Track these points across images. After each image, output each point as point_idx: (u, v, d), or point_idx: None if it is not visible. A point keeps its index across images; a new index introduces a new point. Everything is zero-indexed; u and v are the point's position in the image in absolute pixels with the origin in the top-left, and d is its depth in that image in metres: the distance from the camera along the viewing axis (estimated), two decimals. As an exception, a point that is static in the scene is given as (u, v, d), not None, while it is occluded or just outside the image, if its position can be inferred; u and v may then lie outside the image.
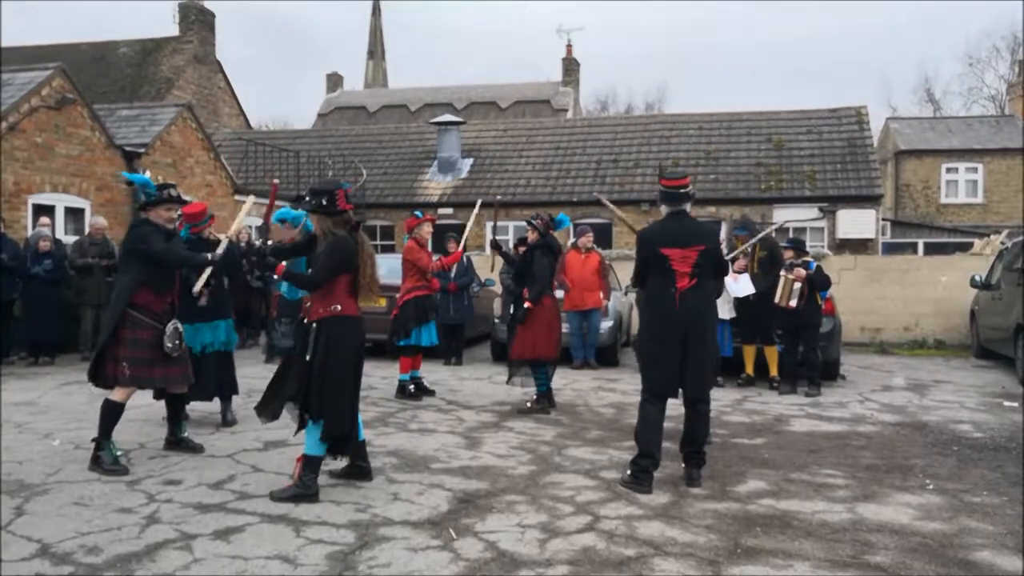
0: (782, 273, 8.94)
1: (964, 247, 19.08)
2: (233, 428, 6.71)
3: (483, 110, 31.54)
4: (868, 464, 5.87)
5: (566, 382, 9.46)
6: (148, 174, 6.00)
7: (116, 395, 5.32)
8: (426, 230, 8.71)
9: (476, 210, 9.02)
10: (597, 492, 5.03)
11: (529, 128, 23.43)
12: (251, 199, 6.38)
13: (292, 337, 7.57)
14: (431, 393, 8.58)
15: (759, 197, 18.79)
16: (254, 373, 9.32)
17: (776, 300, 8.85)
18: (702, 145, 20.62)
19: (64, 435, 6.33)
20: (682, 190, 5.29)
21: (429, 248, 8.95)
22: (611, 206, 9.68)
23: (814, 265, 9.20)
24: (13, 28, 57.71)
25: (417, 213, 9.06)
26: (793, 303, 8.78)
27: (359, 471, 5.14)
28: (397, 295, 8.56)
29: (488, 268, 11.32)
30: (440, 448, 6.16)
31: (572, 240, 11.95)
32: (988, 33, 75.19)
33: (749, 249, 9.23)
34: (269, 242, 5.35)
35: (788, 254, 9.14)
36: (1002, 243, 14.67)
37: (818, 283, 8.96)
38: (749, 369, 9.47)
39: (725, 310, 8.83)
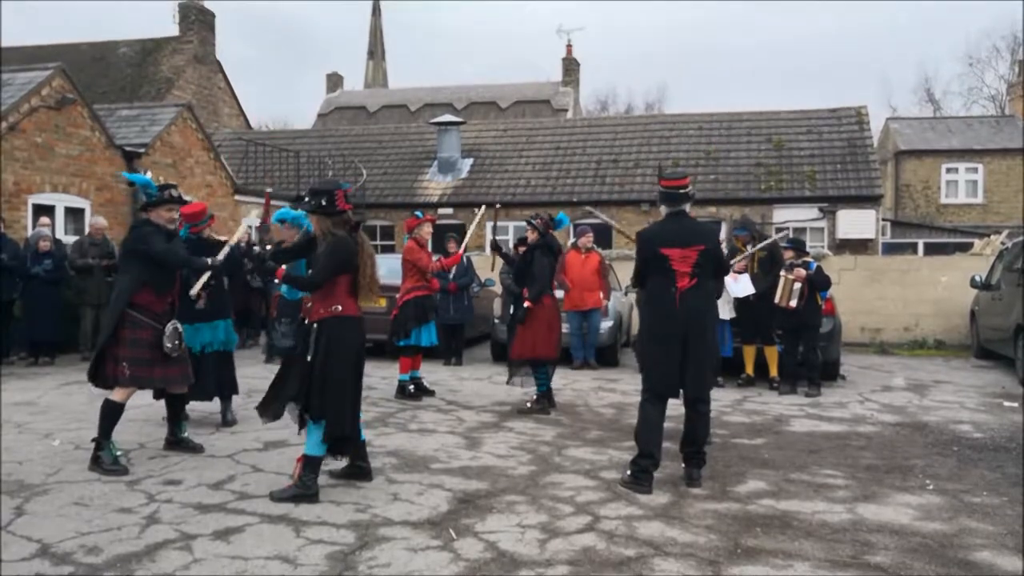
0: (782, 273, 8.94)
1: (964, 247, 19.08)
2: (233, 428, 6.72)
3: (483, 110, 31.55)
4: (868, 464, 5.87)
5: (566, 382, 9.46)
6: (149, 175, 6.00)
7: (116, 395, 5.32)
8: (426, 230, 8.71)
9: (478, 217, 9.01)
10: (597, 492, 5.03)
11: (529, 128, 23.44)
12: (252, 215, 6.34)
13: (292, 337, 7.61)
14: (431, 393, 8.58)
15: (759, 197, 18.79)
16: (254, 373, 9.33)
17: (776, 300, 8.85)
18: (702, 145, 20.62)
19: (64, 435, 6.33)
20: (681, 190, 5.29)
21: (429, 248, 8.95)
22: (603, 216, 9.72)
23: (814, 265, 9.20)
24: (13, 28, 57.78)
25: (417, 213, 9.07)
26: (793, 303, 8.78)
27: (359, 471, 5.14)
28: (397, 295, 8.56)
29: (488, 268, 11.33)
30: (440, 448, 6.16)
31: (572, 240, 11.96)
32: (988, 33, 75.28)
33: (755, 251, 9.19)
34: (268, 247, 5.35)
35: (788, 254, 9.15)
36: (1002, 243, 14.67)
37: (818, 283, 8.96)
38: (749, 369, 9.47)
39: (725, 310, 8.84)
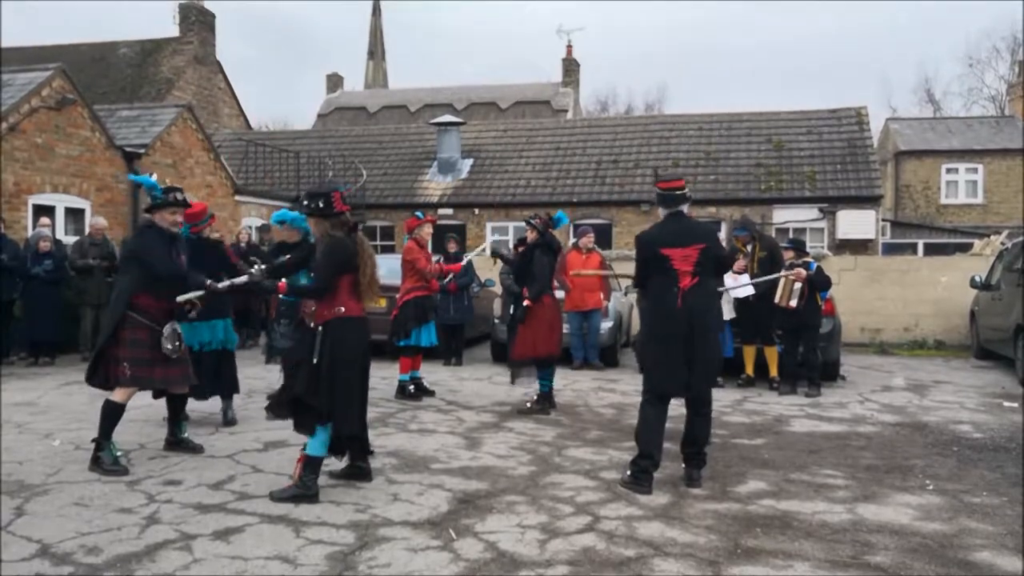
0: (782, 273, 8.93)
1: (964, 248, 19.08)
2: (233, 428, 6.72)
3: (483, 111, 31.55)
4: (868, 464, 5.87)
5: (566, 382, 9.46)
6: (155, 177, 6.01)
7: (117, 395, 5.33)
8: (426, 231, 8.72)
9: (478, 251, 9.12)
10: (597, 493, 5.04)
11: (529, 129, 23.45)
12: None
13: (291, 338, 7.61)
14: (431, 394, 8.58)
15: (759, 198, 18.80)
16: (254, 373, 9.33)
17: (776, 300, 8.85)
18: (702, 146, 20.63)
19: (64, 435, 6.33)
20: (678, 192, 5.30)
21: (429, 249, 8.95)
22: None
23: (814, 266, 9.19)
24: (13, 28, 57.76)
25: (418, 214, 9.06)
26: (793, 303, 8.78)
27: (359, 472, 5.15)
28: (397, 296, 8.56)
29: (488, 269, 11.32)
30: (440, 448, 6.17)
31: (573, 240, 11.95)
32: (988, 33, 75.31)
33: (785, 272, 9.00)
34: (263, 266, 5.34)
35: (788, 254, 9.15)
36: (1002, 244, 14.67)
37: (818, 284, 8.96)
38: (749, 370, 9.47)
39: (725, 310, 8.83)
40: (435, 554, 3.96)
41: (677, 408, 5.40)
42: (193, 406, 6.50)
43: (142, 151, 14.69)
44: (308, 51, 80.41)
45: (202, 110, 23.40)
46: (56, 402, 7.85)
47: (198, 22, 26.04)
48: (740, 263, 9.17)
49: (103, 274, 10.82)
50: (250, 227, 16.13)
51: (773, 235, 15.99)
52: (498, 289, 11.69)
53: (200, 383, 6.18)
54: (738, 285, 9.02)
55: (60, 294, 10.74)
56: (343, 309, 4.78)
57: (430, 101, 32.38)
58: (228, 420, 6.86)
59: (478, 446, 6.29)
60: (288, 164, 20.62)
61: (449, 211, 20.22)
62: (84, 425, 6.42)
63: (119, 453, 5.39)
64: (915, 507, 4.84)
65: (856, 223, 18.07)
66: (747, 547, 4.12)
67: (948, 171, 27.64)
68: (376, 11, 41.94)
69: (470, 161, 21.78)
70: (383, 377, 9.46)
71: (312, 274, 5.17)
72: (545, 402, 7.75)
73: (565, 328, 8.73)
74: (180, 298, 5.37)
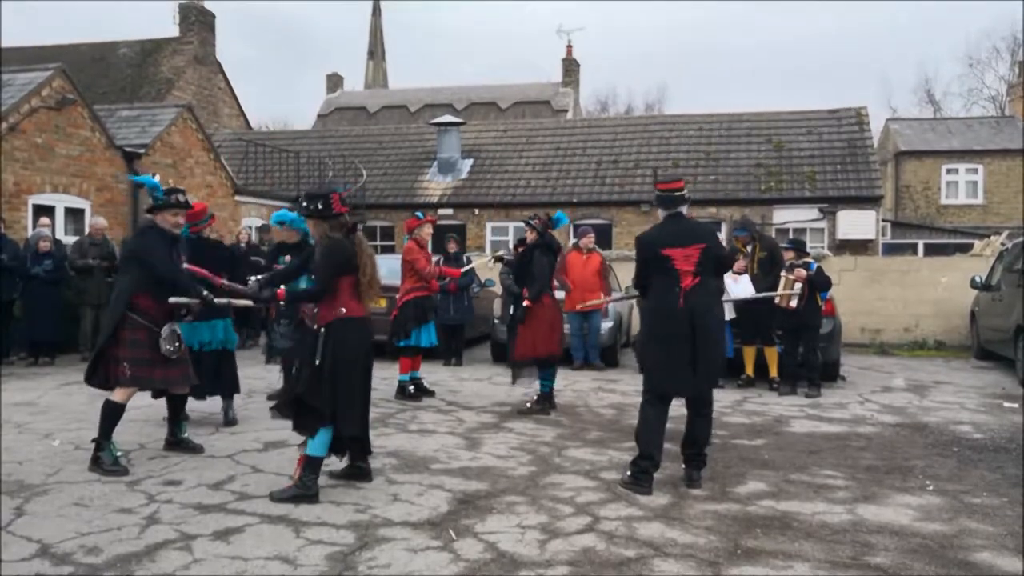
0: (782, 274, 8.94)
1: (964, 248, 19.06)
2: (233, 429, 6.72)
3: (483, 111, 31.56)
4: (868, 465, 5.87)
5: (566, 383, 9.46)
6: (157, 178, 6.01)
7: (117, 395, 5.33)
8: (426, 231, 8.71)
9: (480, 263, 9.13)
10: (597, 493, 5.04)
11: (529, 129, 23.45)
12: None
13: (291, 338, 7.62)
14: (431, 394, 8.58)
15: (759, 198, 18.80)
16: (254, 374, 9.33)
17: (776, 301, 8.85)
18: (702, 146, 20.63)
19: (64, 435, 6.34)
20: (677, 193, 5.30)
21: (429, 249, 8.95)
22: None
23: (815, 266, 9.19)
24: (13, 28, 57.75)
25: (418, 214, 9.05)
26: (793, 304, 8.78)
27: (359, 472, 5.15)
28: (397, 296, 8.56)
29: (488, 269, 11.32)
30: (440, 449, 6.16)
31: (573, 240, 11.95)
32: (988, 34, 75.32)
33: (791, 278, 8.98)
34: (258, 277, 5.34)
35: (789, 255, 9.14)
36: (1002, 244, 14.66)
37: (819, 284, 8.96)
38: (749, 370, 9.47)
39: (726, 310, 8.83)
40: (435, 554, 3.96)
41: (677, 409, 5.40)
42: (193, 406, 6.50)
43: (142, 151, 14.69)
44: (308, 51, 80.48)
45: (202, 110, 23.41)
46: (56, 402, 7.85)
47: (198, 22, 26.05)
48: (740, 263, 9.17)
49: (103, 274, 10.82)
50: (250, 227, 16.13)
51: (773, 235, 15.99)
52: (498, 289, 11.69)
53: (200, 383, 6.19)
54: (733, 299, 8.97)
55: (60, 294, 10.74)
56: (344, 310, 4.78)
57: (430, 101, 32.39)
58: (229, 420, 6.86)
59: (478, 446, 6.29)
60: (288, 164, 20.62)
61: (449, 211, 20.23)
62: (84, 425, 6.42)
63: (119, 453, 5.39)
64: (915, 508, 4.84)
65: (856, 223, 18.07)
66: (747, 548, 4.12)
67: (948, 171, 27.64)
68: (376, 11, 41.97)
69: (470, 161, 21.78)
70: (383, 377, 9.46)
71: (312, 277, 5.18)
72: (545, 402, 7.75)
73: (565, 328, 8.73)
74: (172, 299, 5.35)
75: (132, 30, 65.52)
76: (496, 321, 11.53)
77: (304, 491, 4.70)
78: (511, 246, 10.56)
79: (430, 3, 78.16)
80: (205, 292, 5.48)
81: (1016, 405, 8.49)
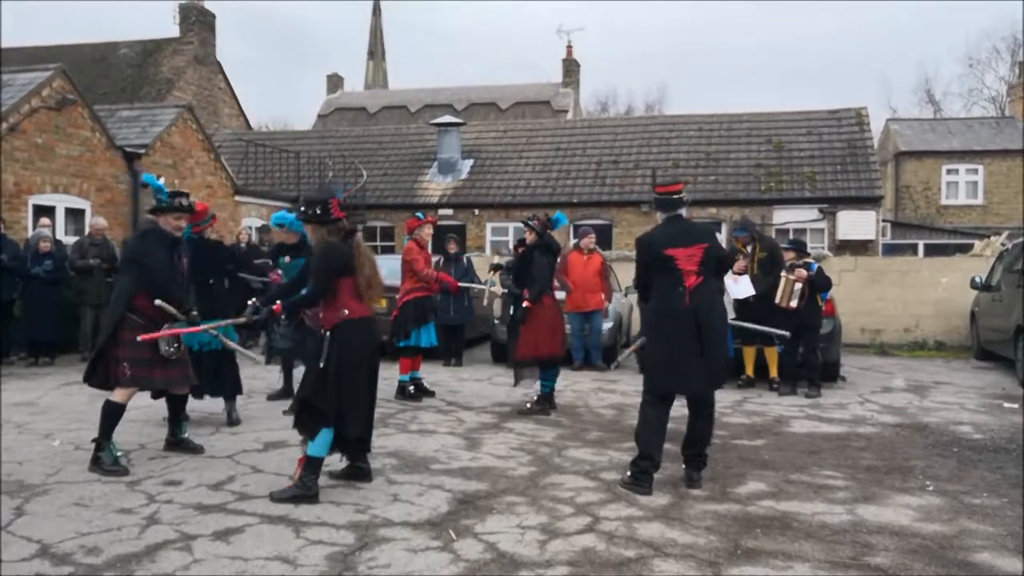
0: (783, 274, 8.94)
1: (964, 248, 19.06)
2: (233, 429, 6.73)
3: (483, 111, 31.55)
4: (868, 465, 5.87)
5: (566, 383, 9.45)
6: (163, 180, 6.03)
7: (117, 396, 5.33)
8: (427, 232, 8.72)
9: (485, 284, 9.25)
10: (597, 493, 5.04)
11: (529, 129, 23.45)
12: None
13: (291, 338, 7.62)
14: (431, 394, 8.58)
15: (759, 198, 18.80)
16: (254, 374, 9.33)
17: (776, 301, 8.85)
18: (702, 146, 20.64)
19: (64, 435, 6.34)
20: (676, 196, 5.31)
21: (429, 249, 8.94)
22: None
23: (815, 266, 9.19)
24: (13, 29, 57.77)
25: (419, 215, 9.04)
26: (794, 303, 8.78)
27: (359, 472, 5.15)
28: (397, 296, 8.56)
29: (487, 269, 11.29)
30: (440, 449, 6.17)
31: (574, 241, 11.94)
32: (988, 34, 75.27)
33: (792, 278, 8.98)
34: (256, 302, 5.34)
35: (789, 255, 9.14)
36: (1002, 244, 14.66)
37: (819, 284, 8.96)
38: (749, 370, 9.47)
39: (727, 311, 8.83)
40: (435, 555, 3.96)
41: (678, 409, 5.40)
42: (193, 406, 6.50)
43: (142, 151, 14.70)
44: (308, 51, 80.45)
45: (202, 110, 23.41)
46: (56, 402, 7.85)
47: (198, 22, 26.06)
48: (740, 264, 9.17)
49: (103, 274, 10.82)
50: (250, 227, 16.14)
51: (773, 236, 15.99)
52: (498, 290, 11.69)
53: (200, 383, 6.19)
54: (734, 323, 8.93)
55: (60, 294, 10.75)
56: (347, 311, 4.79)
57: (430, 101, 32.39)
58: (232, 420, 6.87)
59: (478, 447, 6.29)
60: (288, 165, 20.62)
61: (449, 211, 20.23)
62: (84, 425, 6.42)
63: (119, 453, 5.40)
64: (915, 508, 4.84)
65: (856, 224, 18.07)
66: (747, 548, 4.12)
67: (948, 172, 27.64)
68: (376, 11, 41.95)
69: (470, 162, 21.78)
70: (383, 378, 9.38)
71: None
72: (545, 403, 7.75)
73: (566, 328, 8.72)
74: (158, 302, 5.32)
75: (132, 30, 65.59)
76: (496, 322, 11.54)
77: (304, 491, 4.70)
78: (511, 246, 10.56)
79: (430, 3, 78.19)
80: (195, 311, 5.46)
81: (1016, 406, 8.49)
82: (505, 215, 19.96)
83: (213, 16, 26.71)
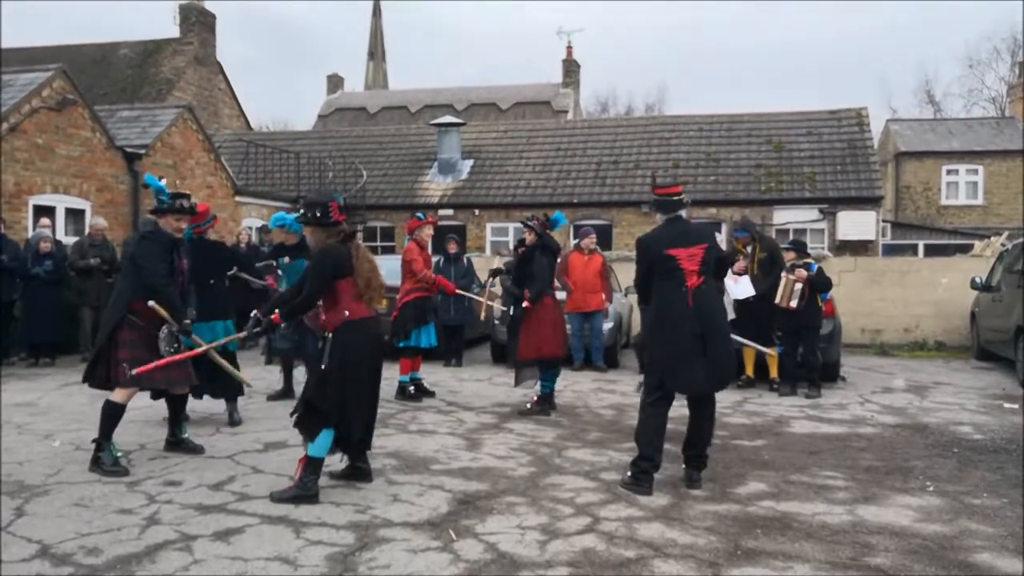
0: (783, 274, 8.94)
1: (964, 249, 19.07)
2: (233, 429, 6.73)
3: (483, 111, 31.56)
4: (868, 466, 5.87)
5: (566, 384, 9.45)
6: (164, 181, 6.03)
7: (117, 396, 5.33)
8: (427, 232, 8.72)
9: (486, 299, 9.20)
10: (597, 494, 5.04)
11: (529, 129, 23.45)
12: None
13: (291, 338, 7.63)
14: (431, 394, 8.58)
15: (759, 199, 18.81)
16: (255, 374, 9.32)
17: (776, 301, 8.85)
18: (702, 147, 20.64)
19: (64, 436, 6.34)
20: (675, 197, 5.32)
21: (430, 250, 8.94)
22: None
23: (815, 267, 9.19)
24: (13, 29, 57.76)
25: (419, 215, 9.04)
26: (794, 304, 8.78)
27: (359, 472, 5.15)
28: (397, 296, 8.56)
29: (487, 275, 11.29)
30: (440, 449, 6.17)
31: (575, 241, 11.93)
32: (988, 35, 75.22)
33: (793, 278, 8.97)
34: (258, 315, 5.33)
35: (790, 255, 9.14)
36: (1002, 245, 14.66)
37: (819, 284, 8.96)
38: (749, 371, 9.47)
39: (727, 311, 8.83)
40: (435, 555, 3.97)
41: (678, 409, 5.40)
42: (193, 406, 6.50)
43: (143, 152, 14.70)
44: (308, 51, 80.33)
45: (202, 111, 23.43)
46: (56, 403, 7.85)
47: (198, 23, 26.08)
48: (740, 264, 9.17)
49: (103, 275, 10.82)
50: (250, 228, 16.15)
51: (773, 236, 15.99)
52: (498, 290, 11.69)
53: (200, 383, 6.20)
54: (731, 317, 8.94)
55: (60, 295, 10.75)
56: (348, 313, 4.79)
57: (430, 102, 32.40)
58: (233, 421, 6.88)
59: (478, 447, 6.29)
60: (288, 165, 20.63)
61: (449, 212, 20.23)
62: (84, 426, 6.43)
63: (119, 454, 5.40)
64: (915, 508, 4.84)
65: (856, 224, 18.07)
66: (747, 548, 4.12)
67: (948, 172, 27.64)
68: (376, 12, 41.96)
69: (470, 162, 21.79)
70: (384, 378, 9.43)
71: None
72: (545, 403, 7.75)
73: (567, 329, 8.72)
74: (151, 303, 5.31)
75: (133, 31, 65.64)
76: (496, 322, 11.53)
77: (304, 492, 4.71)
78: (511, 247, 10.56)
79: (430, 3, 78.19)
80: (188, 321, 5.45)
81: (1016, 406, 8.49)
82: (505, 215, 19.96)
83: (213, 16, 26.74)
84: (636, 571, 3.81)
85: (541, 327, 7.52)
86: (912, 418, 7.80)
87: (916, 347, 14.26)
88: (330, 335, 4.82)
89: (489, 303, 9.10)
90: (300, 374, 8.01)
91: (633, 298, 11.15)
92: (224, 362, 6.02)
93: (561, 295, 9.67)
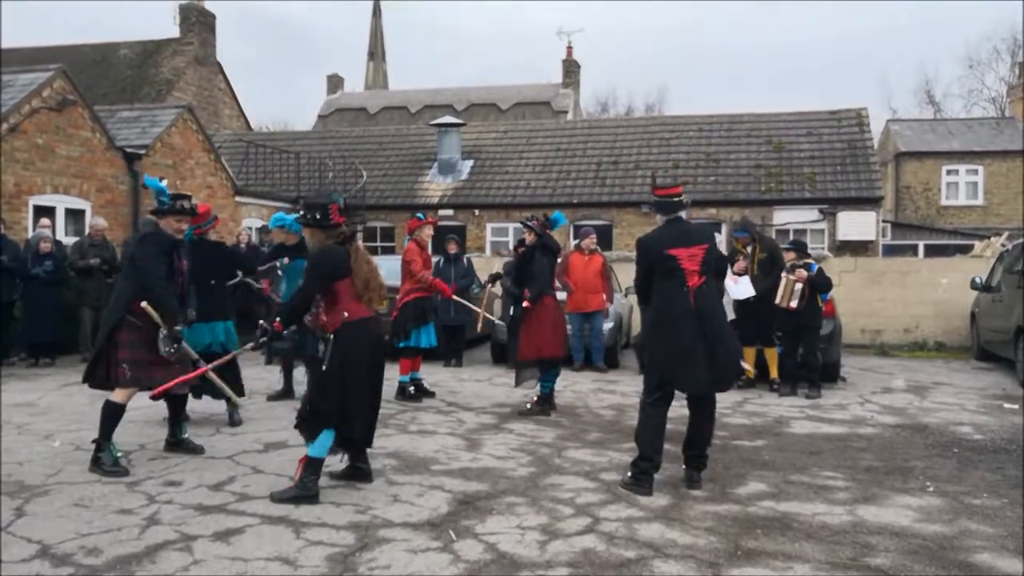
0: (783, 274, 8.94)
1: (964, 249, 19.08)
2: (233, 430, 6.73)
3: (483, 112, 31.57)
4: (868, 466, 5.87)
5: (566, 384, 9.44)
6: (164, 182, 6.02)
7: (117, 396, 5.33)
8: (427, 232, 8.71)
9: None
10: (597, 494, 5.04)
11: (529, 130, 23.46)
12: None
13: (291, 339, 7.62)
14: (431, 395, 8.58)
15: (759, 199, 18.81)
16: (255, 374, 9.34)
17: (776, 301, 8.85)
18: (702, 147, 20.64)
19: (64, 436, 6.34)
20: (675, 199, 5.32)
21: (430, 250, 8.94)
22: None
23: (815, 267, 9.19)
24: (13, 29, 57.77)
25: (419, 215, 9.04)
26: (794, 304, 8.78)
27: (359, 473, 5.15)
28: (397, 297, 8.56)
29: (489, 270, 11.30)
30: (440, 450, 6.17)
31: (575, 241, 11.93)
32: (988, 35, 75.23)
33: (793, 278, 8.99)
34: (263, 323, 5.33)
35: (790, 256, 9.14)
36: (1002, 245, 14.66)
37: (819, 285, 8.96)
38: (750, 371, 9.44)
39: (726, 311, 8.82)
40: (435, 555, 3.97)
41: (678, 409, 5.40)
42: (193, 407, 6.50)
43: (143, 152, 14.70)
44: (308, 52, 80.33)
45: (202, 111, 23.42)
46: (56, 403, 7.85)
47: (198, 23, 26.08)
48: (740, 264, 9.17)
49: (103, 275, 10.82)
50: (250, 228, 16.15)
51: (773, 236, 15.99)
52: (498, 291, 11.69)
53: (200, 383, 6.20)
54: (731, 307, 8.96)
55: (60, 295, 10.75)
56: (347, 313, 4.80)
57: (430, 102, 32.41)
58: (234, 421, 6.88)
59: (478, 447, 6.29)
60: (288, 165, 20.63)
61: (449, 212, 20.23)
62: (84, 426, 6.43)
63: (119, 454, 5.40)
64: (915, 509, 4.84)
65: (856, 224, 18.08)
66: (747, 548, 4.12)
67: (948, 172, 27.64)
68: (376, 12, 41.96)
69: (470, 162, 21.79)
70: (384, 378, 9.46)
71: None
72: (545, 404, 7.75)
73: (568, 329, 8.72)
74: (144, 304, 5.30)
75: (132, 31, 65.66)
76: (496, 322, 11.52)
77: (304, 492, 4.70)
78: (511, 247, 10.55)
79: (430, 3, 78.19)
80: (179, 327, 5.44)
81: (1016, 406, 8.49)
82: (505, 216, 19.96)
83: (213, 17, 26.74)
84: (636, 571, 3.81)
85: (542, 327, 7.52)
86: (912, 418, 7.80)
87: (916, 347, 14.26)
88: (331, 336, 4.82)
89: (487, 315, 9.04)
90: (300, 374, 8.02)
91: (633, 298, 11.15)
92: (220, 381, 5.96)
93: (562, 295, 9.67)
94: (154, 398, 5.44)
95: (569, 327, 9.77)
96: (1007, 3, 49.66)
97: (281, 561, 3.85)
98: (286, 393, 8.16)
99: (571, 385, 9.51)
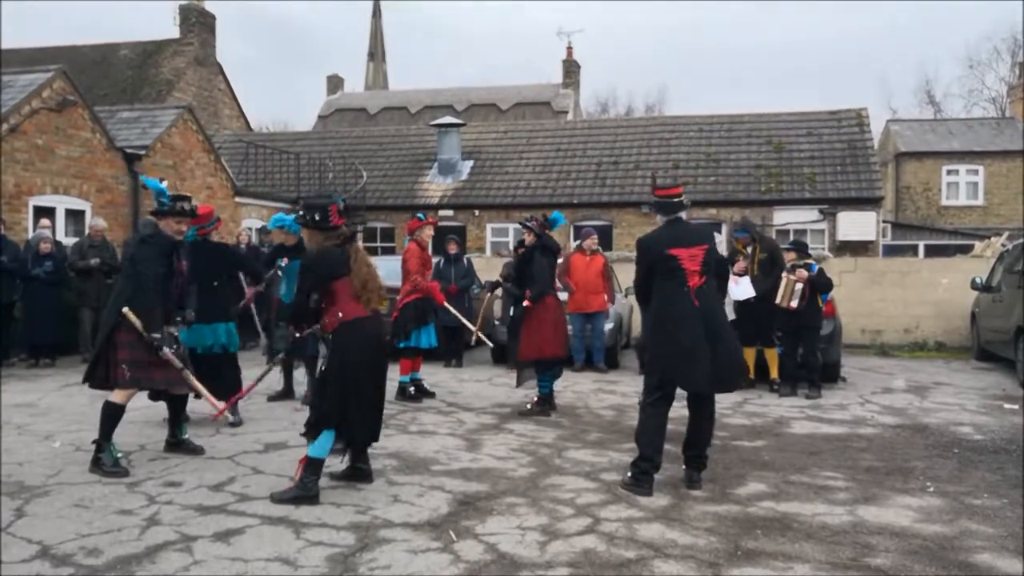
0: (783, 275, 8.94)
1: (965, 249, 19.07)
2: (233, 430, 6.73)
3: (483, 112, 31.56)
4: (868, 466, 5.87)
5: (566, 384, 9.44)
6: (165, 183, 6.02)
7: (116, 397, 5.34)
8: (427, 233, 8.71)
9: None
10: (597, 494, 5.04)
11: (529, 130, 23.46)
12: None
13: (290, 339, 7.62)
14: (431, 395, 8.58)
15: (759, 199, 18.80)
16: (255, 375, 9.31)
17: (777, 301, 8.85)
18: (702, 147, 20.64)
19: (64, 437, 6.34)
20: (676, 199, 5.33)
21: (430, 251, 8.94)
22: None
23: (815, 267, 9.19)
24: (13, 29, 57.77)
25: (419, 216, 9.04)
26: (794, 304, 8.78)
27: (359, 473, 5.16)
28: (397, 297, 8.56)
29: (489, 270, 11.29)
30: (440, 450, 6.17)
31: (577, 241, 11.91)
32: (988, 35, 75.22)
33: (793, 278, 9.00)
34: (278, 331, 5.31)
35: (790, 256, 9.14)
36: (1003, 245, 14.66)
37: (820, 285, 8.96)
38: (749, 372, 9.45)
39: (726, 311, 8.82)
40: (435, 556, 3.97)
41: (678, 410, 5.40)
42: (193, 407, 6.50)
43: (143, 152, 14.70)
44: (308, 52, 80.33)
45: (202, 111, 23.42)
46: (56, 404, 7.85)
47: (198, 23, 26.08)
48: (740, 264, 9.17)
49: (103, 276, 10.82)
50: (250, 229, 16.15)
51: (774, 237, 15.99)
52: (498, 292, 11.67)
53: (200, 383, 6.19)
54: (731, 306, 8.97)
55: (60, 296, 10.75)
56: (342, 314, 4.80)
57: (430, 102, 32.40)
58: (235, 422, 6.87)
59: (478, 448, 6.29)
60: (288, 166, 20.63)
61: (449, 212, 20.23)
62: (84, 426, 6.43)
63: (119, 454, 5.40)
64: (915, 509, 4.84)
65: (856, 224, 18.07)
66: (747, 549, 4.12)
67: (949, 173, 27.63)
68: (376, 12, 41.96)
69: (470, 162, 21.79)
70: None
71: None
72: (545, 404, 7.75)
73: (568, 330, 8.71)
74: (125, 310, 5.26)
75: (132, 31, 65.71)
76: (496, 323, 11.53)
77: (304, 492, 4.71)
78: (511, 248, 10.55)
79: (430, 3, 78.20)
80: (174, 330, 5.42)
81: (1016, 406, 8.49)
82: (505, 216, 19.96)
83: (213, 17, 26.74)
84: (636, 571, 3.81)
85: (543, 327, 7.52)
86: (912, 419, 7.80)
87: (916, 348, 14.26)
88: (330, 336, 4.82)
89: (480, 334, 9.01)
90: (300, 374, 8.03)
91: (634, 299, 11.14)
92: (201, 387, 5.88)
93: (563, 296, 9.67)
94: (144, 382, 5.37)
95: (570, 327, 9.77)
96: (1007, 3, 49.72)
97: (281, 561, 3.85)
98: (286, 393, 8.17)
99: (571, 385, 9.51)
